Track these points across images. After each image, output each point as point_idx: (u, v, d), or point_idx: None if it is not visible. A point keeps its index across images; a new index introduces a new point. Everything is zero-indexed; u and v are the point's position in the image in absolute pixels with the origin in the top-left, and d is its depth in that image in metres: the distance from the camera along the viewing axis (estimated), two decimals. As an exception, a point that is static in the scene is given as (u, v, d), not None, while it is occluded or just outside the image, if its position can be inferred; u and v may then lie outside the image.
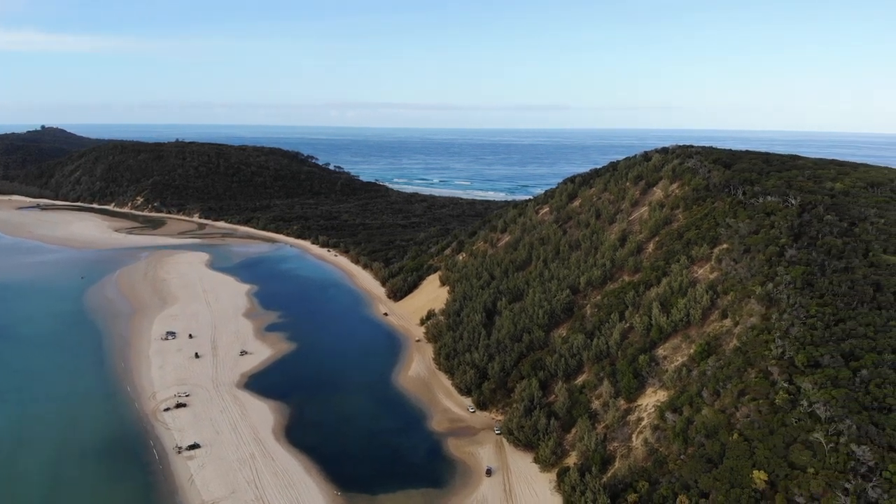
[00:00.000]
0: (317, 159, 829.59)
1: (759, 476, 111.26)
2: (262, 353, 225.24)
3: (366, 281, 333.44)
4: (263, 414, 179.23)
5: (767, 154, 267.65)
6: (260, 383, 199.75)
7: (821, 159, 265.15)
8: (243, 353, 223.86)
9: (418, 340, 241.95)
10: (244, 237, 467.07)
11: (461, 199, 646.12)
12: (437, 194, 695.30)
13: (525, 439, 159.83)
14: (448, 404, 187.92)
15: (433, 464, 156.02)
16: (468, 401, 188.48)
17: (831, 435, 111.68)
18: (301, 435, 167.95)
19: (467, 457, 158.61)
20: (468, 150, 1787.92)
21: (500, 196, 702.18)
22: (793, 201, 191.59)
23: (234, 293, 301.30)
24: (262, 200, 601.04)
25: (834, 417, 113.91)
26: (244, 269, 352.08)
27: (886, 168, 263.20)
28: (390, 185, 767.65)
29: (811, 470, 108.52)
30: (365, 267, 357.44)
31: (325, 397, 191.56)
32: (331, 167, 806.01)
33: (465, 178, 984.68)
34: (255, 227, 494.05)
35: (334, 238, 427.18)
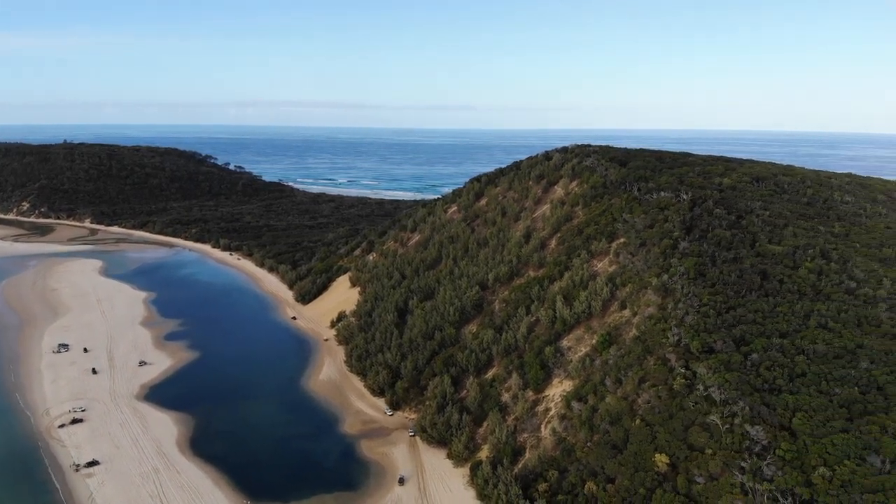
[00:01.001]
0: (216, 159, 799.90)
1: (661, 459, 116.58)
2: (162, 363, 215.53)
3: (272, 284, 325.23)
4: (166, 426, 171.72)
5: (660, 152, 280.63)
6: (161, 395, 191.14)
7: (710, 156, 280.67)
8: (142, 363, 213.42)
9: (326, 340, 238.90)
10: (140, 242, 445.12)
11: (370, 198, 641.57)
12: (344, 194, 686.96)
13: (438, 436, 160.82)
14: (361, 406, 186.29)
15: (346, 467, 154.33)
16: (381, 402, 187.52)
17: (726, 417, 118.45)
18: (207, 446, 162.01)
19: (381, 457, 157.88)
20: (376, 150, 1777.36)
21: (408, 195, 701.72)
22: (684, 196, 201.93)
23: (131, 301, 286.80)
24: (157, 203, 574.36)
25: (728, 400, 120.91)
26: (141, 276, 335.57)
27: (770, 163, 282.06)
28: (295, 185, 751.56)
29: (709, 451, 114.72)
30: (270, 270, 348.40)
31: (231, 406, 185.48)
32: (231, 167, 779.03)
33: (373, 177, 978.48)
34: (150, 232, 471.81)
35: (236, 241, 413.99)
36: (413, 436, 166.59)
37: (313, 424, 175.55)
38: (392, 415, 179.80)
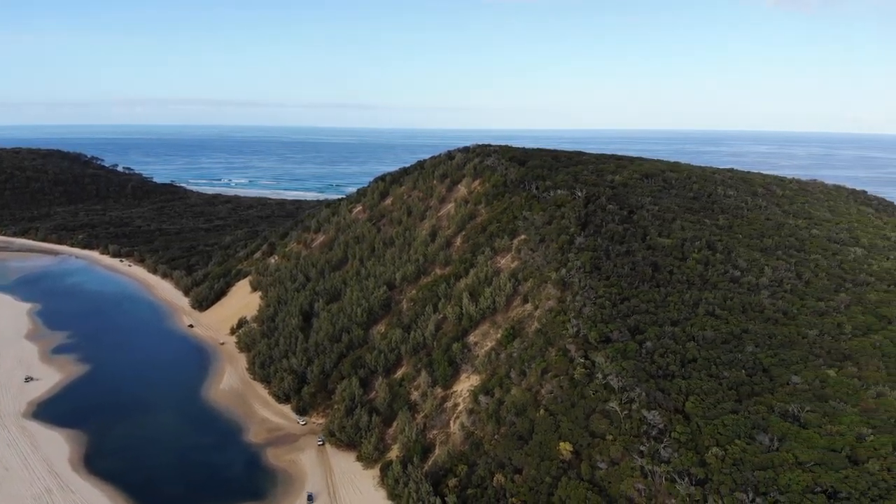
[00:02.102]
0: (103, 160, 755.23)
1: (565, 447, 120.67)
2: (50, 378, 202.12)
3: (166, 291, 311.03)
4: (57, 444, 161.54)
5: (556, 151, 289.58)
6: (51, 411, 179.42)
7: (602, 154, 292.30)
8: (28, 379, 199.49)
9: (223, 343, 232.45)
10: (21, 250, 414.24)
11: (269, 199, 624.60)
12: (242, 195, 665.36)
13: (347, 439, 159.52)
14: (266, 414, 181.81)
15: (252, 477, 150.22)
16: (287, 408, 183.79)
17: (625, 403, 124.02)
18: (103, 463, 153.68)
19: (288, 465, 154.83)
20: (275, 149, 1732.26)
21: (311, 195, 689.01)
22: (579, 194, 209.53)
23: (14, 314, 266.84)
24: (40, 209, 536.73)
25: (626, 387, 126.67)
26: (23, 287, 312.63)
27: (658, 160, 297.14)
28: (189, 187, 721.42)
29: (610, 437, 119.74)
30: (164, 276, 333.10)
31: (127, 420, 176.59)
32: (119, 168, 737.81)
33: (272, 177, 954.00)
34: (33, 239, 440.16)
35: (127, 246, 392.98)
36: (322, 444, 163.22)
37: (216, 435, 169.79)
38: (305, 423, 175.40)
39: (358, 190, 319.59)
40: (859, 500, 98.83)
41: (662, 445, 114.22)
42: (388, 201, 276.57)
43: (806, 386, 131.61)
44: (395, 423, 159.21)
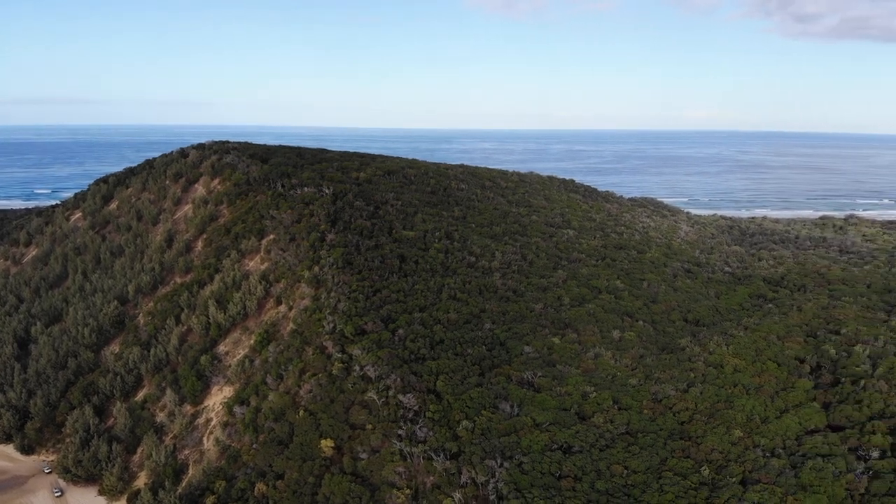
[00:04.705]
0: None
1: (327, 444, 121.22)
2: None
3: None
4: None
5: (299, 148, 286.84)
6: None
7: (345, 152, 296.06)
8: None
9: None
10: None
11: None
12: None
13: (86, 474, 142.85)
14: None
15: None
16: (10, 448, 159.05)
17: (382, 391, 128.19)
18: None
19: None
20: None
21: (15, 203, 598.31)
22: (327, 191, 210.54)
23: None
24: None
25: (382, 375, 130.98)
26: None
27: (398, 157, 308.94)
28: None
29: (369, 426, 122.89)
30: None
31: None
32: None
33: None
34: None
35: None
36: (60, 496, 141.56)
37: None
38: (50, 472, 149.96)
39: (76, 194, 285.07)
40: (590, 451, 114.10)
41: (418, 426, 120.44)
42: (114, 205, 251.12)
43: (536, 354, 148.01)
44: (140, 449, 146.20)
